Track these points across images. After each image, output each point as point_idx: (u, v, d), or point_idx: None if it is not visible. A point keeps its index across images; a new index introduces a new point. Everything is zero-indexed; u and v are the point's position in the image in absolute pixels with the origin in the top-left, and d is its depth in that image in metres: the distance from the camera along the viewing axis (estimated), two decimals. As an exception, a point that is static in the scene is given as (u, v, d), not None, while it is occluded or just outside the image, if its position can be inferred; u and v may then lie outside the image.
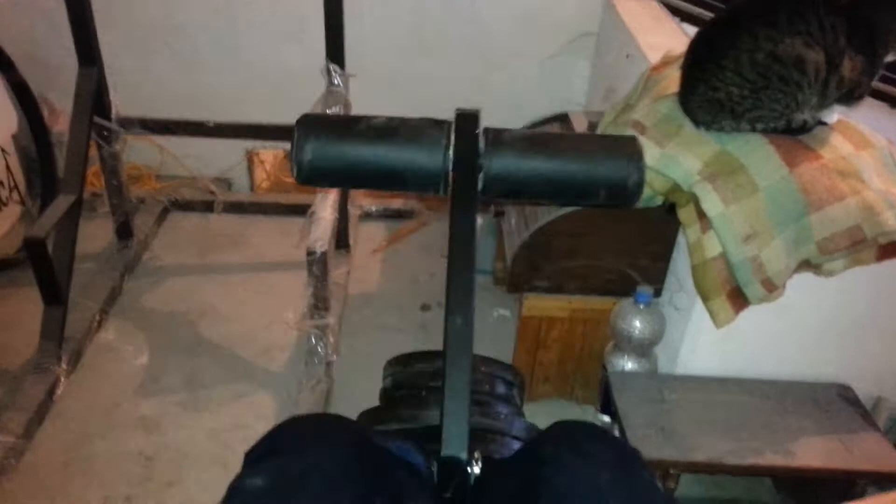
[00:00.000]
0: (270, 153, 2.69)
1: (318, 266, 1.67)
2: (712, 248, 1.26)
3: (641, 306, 1.46)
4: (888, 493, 1.17)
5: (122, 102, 2.04)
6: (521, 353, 1.70)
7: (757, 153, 1.24)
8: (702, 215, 1.27)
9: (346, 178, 0.72)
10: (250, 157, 2.57)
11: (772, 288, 1.24)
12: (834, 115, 1.27)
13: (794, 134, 1.27)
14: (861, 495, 1.21)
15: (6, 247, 2.15)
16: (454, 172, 0.66)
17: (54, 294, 1.73)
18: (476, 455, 0.61)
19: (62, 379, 1.74)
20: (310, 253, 1.66)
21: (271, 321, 2.00)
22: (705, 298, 1.30)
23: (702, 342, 1.43)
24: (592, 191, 0.68)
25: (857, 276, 1.29)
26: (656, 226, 1.48)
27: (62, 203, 1.76)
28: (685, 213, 1.31)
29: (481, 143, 0.67)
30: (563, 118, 1.85)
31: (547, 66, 2.38)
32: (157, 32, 2.32)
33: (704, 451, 1.25)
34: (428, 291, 2.18)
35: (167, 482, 1.56)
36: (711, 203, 1.24)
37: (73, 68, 1.89)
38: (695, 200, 1.28)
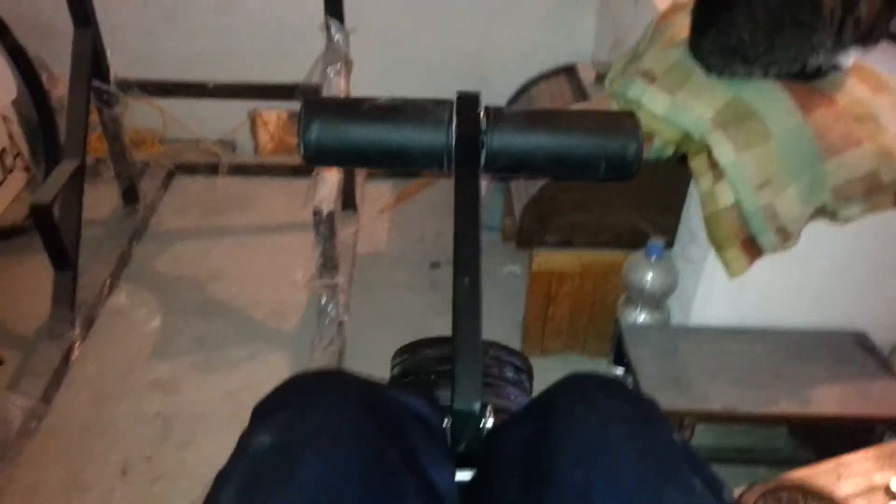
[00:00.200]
0: (273, 114, 2.66)
1: (325, 226, 1.66)
2: (725, 197, 1.24)
3: (653, 259, 1.45)
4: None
5: (121, 65, 2.01)
6: (531, 309, 1.70)
7: (770, 99, 1.22)
8: (714, 164, 1.25)
9: (352, 157, 0.73)
10: (253, 119, 2.54)
11: (786, 236, 1.22)
12: (850, 58, 1.24)
13: (809, 79, 1.24)
14: (879, 441, 1.22)
15: (14, 214, 2.15)
16: (457, 149, 0.68)
17: (63, 259, 1.73)
18: (488, 409, 0.61)
19: (77, 343, 1.76)
20: (316, 213, 1.65)
21: (281, 282, 2.00)
22: (718, 249, 1.29)
23: (715, 293, 1.42)
24: (592, 164, 0.69)
25: (873, 223, 1.27)
26: (668, 177, 1.46)
27: (66, 168, 1.75)
28: (697, 163, 1.29)
29: (482, 121, 0.69)
30: (570, 70, 1.82)
31: (552, 18, 2.33)
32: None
33: (718, 400, 1.25)
34: (437, 249, 2.17)
35: (184, 442, 1.59)
36: (724, 151, 1.22)
37: (70, 31, 1.86)
38: (707, 149, 1.26)
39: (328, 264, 1.73)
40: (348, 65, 1.87)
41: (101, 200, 2.24)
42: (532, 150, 0.70)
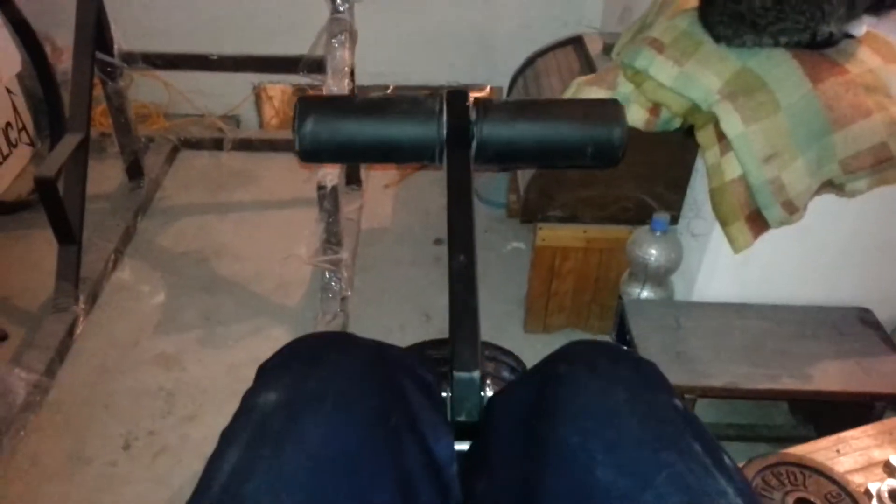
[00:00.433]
0: (278, 88, 2.65)
1: (328, 201, 1.66)
2: (732, 170, 1.22)
3: (658, 234, 1.43)
4: (907, 415, 1.16)
5: (124, 37, 2.00)
6: (535, 285, 1.68)
7: (779, 69, 1.19)
8: (721, 136, 1.22)
9: (347, 153, 0.75)
10: (258, 93, 2.53)
11: (793, 210, 1.20)
12: (862, 26, 1.20)
13: (820, 48, 1.20)
14: (879, 418, 1.20)
15: (19, 188, 2.16)
16: (448, 141, 0.69)
17: (67, 233, 1.73)
18: (487, 381, 0.60)
19: (81, 318, 1.77)
20: (320, 187, 1.64)
21: (285, 258, 2.00)
22: (724, 223, 1.26)
23: (719, 268, 1.40)
24: (579, 150, 0.72)
25: (880, 197, 1.25)
26: (674, 150, 1.44)
27: (69, 141, 1.74)
28: (704, 135, 1.26)
29: (472, 113, 0.70)
30: (577, 41, 1.78)
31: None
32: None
33: (720, 376, 1.24)
34: (440, 225, 2.16)
35: (188, 416, 1.59)
36: (731, 123, 1.19)
37: (73, 2, 1.84)
38: (714, 121, 1.23)
39: (332, 240, 1.72)
40: (353, 36, 1.84)
41: (105, 175, 2.24)
42: (521, 140, 0.72)
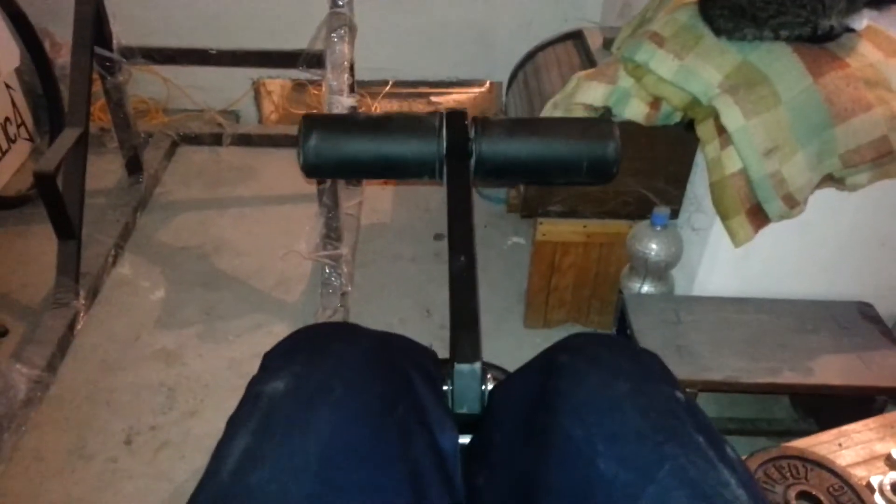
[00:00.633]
0: (277, 83, 2.64)
1: (328, 196, 1.65)
2: (732, 164, 1.22)
3: (658, 228, 1.43)
4: (908, 408, 1.16)
5: (123, 32, 1.99)
6: (535, 280, 1.68)
7: (780, 63, 1.19)
8: (721, 130, 1.22)
9: (349, 169, 0.78)
10: (257, 88, 2.52)
11: (793, 204, 1.20)
12: (863, 20, 1.20)
13: (820, 41, 1.20)
14: (880, 411, 1.20)
15: (18, 184, 2.15)
16: (447, 158, 0.72)
17: (67, 228, 1.73)
18: (488, 374, 0.60)
19: (81, 313, 1.76)
20: (320, 183, 1.64)
21: (285, 253, 2.00)
22: (724, 217, 1.26)
23: (720, 263, 1.40)
24: (575, 167, 0.74)
25: (880, 191, 1.25)
26: (674, 145, 1.43)
27: (69, 136, 1.74)
28: (704, 129, 1.26)
29: (470, 131, 0.73)
30: (577, 35, 1.78)
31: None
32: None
33: (721, 370, 1.24)
34: (440, 220, 2.16)
35: (189, 411, 1.59)
36: (732, 117, 1.19)
37: (71, -3, 1.84)
38: (714, 115, 1.23)
39: (332, 235, 1.72)
40: (352, 30, 1.84)
41: (104, 171, 2.24)
42: (518, 156, 0.75)
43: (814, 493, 0.92)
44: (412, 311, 1.86)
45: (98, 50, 1.91)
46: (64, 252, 1.76)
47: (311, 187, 1.62)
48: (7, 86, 2.16)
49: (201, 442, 1.52)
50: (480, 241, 2.04)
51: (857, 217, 1.33)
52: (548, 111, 1.49)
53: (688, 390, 1.23)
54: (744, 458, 0.99)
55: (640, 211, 1.52)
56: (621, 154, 0.74)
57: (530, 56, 1.87)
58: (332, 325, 0.62)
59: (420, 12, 2.33)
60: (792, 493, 0.92)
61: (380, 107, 2.62)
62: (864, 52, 1.19)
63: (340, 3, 1.83)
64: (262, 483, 0.45)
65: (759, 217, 1.24)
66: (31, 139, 2.29)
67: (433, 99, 2.67)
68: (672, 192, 1.51)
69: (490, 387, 0.61)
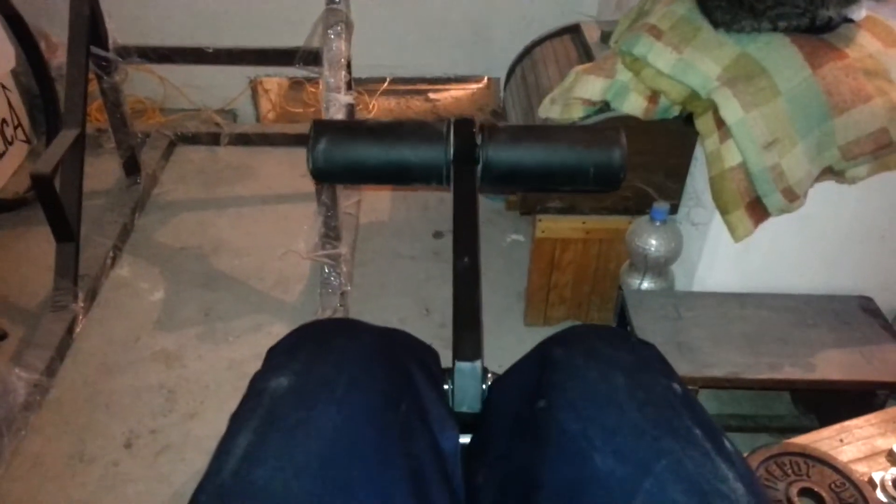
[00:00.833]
0: (274, 81, 2.63)
1: (327, 195, 1.65)
2: (731, 157, 1.21)
3: (657, 223, 1.42)
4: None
5: (118, 31, 1.98)
6: (535, 277, 1.67)
7: (778, 55, 1.17)
8: (720, 123, 1.21)
9: (357, 174, 0.79)
10: (254, 87, 2.51)
11: (793, 197, 1.19)
12: (862, 10, 1.19)
13: (819, 32, 1.19)
14: (881, 406, 1.20)
15: (15, 186, 2.15)
16: (455, 164, 0.73)
17: (65, 230, 1.72)
18: (489, 374, 0.60)
19: (80, 316, 1.76)
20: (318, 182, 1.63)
21: (284, 253, 1.99)
22: (723, 211, 1.25)
23: (720, 258, 1.39)
24: (581, 173, 0.75)
25: (880, 183, 1.24)
26: (673, 139, 1.42)
27: (65, 137, 1.73)
28: (703, 123, 1.25)
29: (478, 137, 0.74)
30: (574, 29, 1.77)
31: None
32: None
33: (721, 366, 1.23)
34: (439, 219, 2.15)
35: (190, 413, 1.59)
36: (731, 110, 1.18)
37: (66, -4, 1.83)
38: (713, 108, 1.22)
39: (331, 234, 1.71)
40: (349, 26, 1.83)
41: (102, 172, 2.23)
42: (524, 162, 0.75)
43: (816, 489, 0.91)
44: (411, 309, 1.85)
45: (94, 49, 1.90)
46: (62, 254, 1.76)
47: (309, 186, 1.62)
48: (3, 87, 2.15)
49: (202, 444, 1.52)
50: (480, 238, 2.03)
51: (857, 210, 1.32)
52: (546, 106, 1.48)
53: (689, 387, 1.23)
54: (745, 454, 0.98)
55: (639, 206, 1.51)
56: (627, 162, 0.74)
57: (528, 51, 1.86)
58: (335, 321, 0.62)
59: (417, 8, 2.32)
60: (794, 490, 0.91)
61: (377, 104, 2.61)
62: (863, 43, 1.18)
63: (336, -1, 1.82)
64: (265, 480, 0.45)
65: (758, 211, 1.23)
66: (27, 141, 2.29)
67: (431, 95, 2.67)
68: (671, 186, 1.50)
69: (489, 382, 0.61)
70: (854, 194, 1.26)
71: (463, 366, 0.57)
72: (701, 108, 1.25)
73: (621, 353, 0.57)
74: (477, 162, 0.73)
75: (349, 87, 1.77)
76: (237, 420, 0.50)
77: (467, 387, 0.57)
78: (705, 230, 1.37)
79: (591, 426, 0.49)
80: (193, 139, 2.42)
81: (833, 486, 0.92)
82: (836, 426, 1.03)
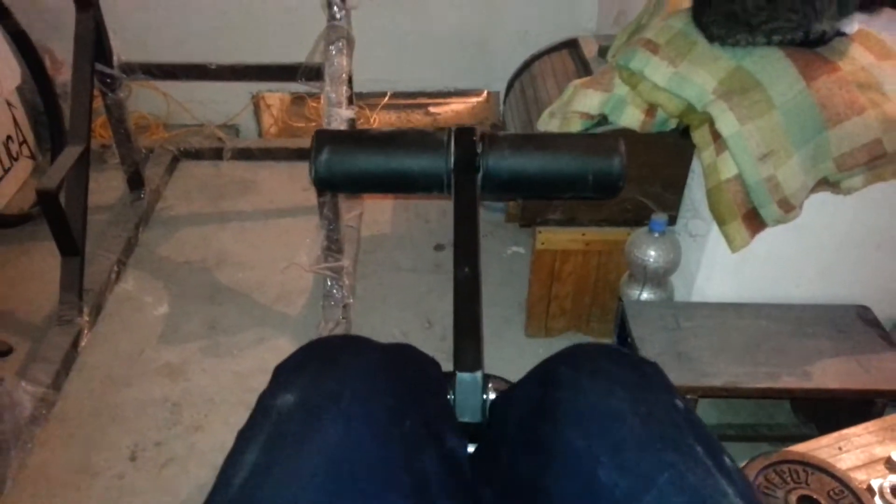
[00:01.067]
0: (276, 97, 2.66)
1: (329, 208, 1.66)
2: (727, 169, 1.22)
3: (656, 234, 1.44)
4: (908, 411, 1.16)
5: (122, 48, 2.01)
6: (535, 289, 1.69)
7: (773, 68, 1.19)
8: (716, 136, 1.23)
9: (359, 184, 0.80)
10: (256, 102, 2.54)
11: (788, 208, 1.21)
12: (854, 24, 1.21)
13: (813, 46, 1.21)
14: (880, 414, 1.21)
15: (21, 202, 2.17)
16: (455, 173, 0.74)
17: (70, 245, 1.74)
18: (490, 383, 0.61)
19: (85, 330, 1.77)
20: (320, 195, 1.65)
21: (286, 266, 2.01)
22: (721, 222, 1.27)
23: (718, 269, 1.40)
24: (581, 181, 0.76)
25: (876, 194, 1.25)
26: (670, 151, 1.44)
27: (70, 153, 1.75)
28: (699, 135, 1.27)
29: (478, 146, 0.75)
30: (573, 44, 1.79)
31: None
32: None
33: (720, 375, 1.24)
34: (440, 231, 2.17)
35: (194, 426, 1.60)
36: (726, 122, 1.20)
37: (72, 14, 1.85)
38: (709, 121, 1.24)
39: (333, 247, 1.73)
40: (350, 42, 1.85)
41: (106, 187, 2.26)
42: (525, 171, 0.76)
43: (815, 497, 0.92)
44: (413, 322, 1.87)
45: (99, 66, 1.92)
46: (67, 269, 1.77)
47: (311, 200, 1.63)
48: (9, 104, 2.18)
49: (206, 457, 1.53)
50: (481, 250, 2.04)
51: (853, 221, 1.33)
52: (545, 119, 1.50)
53: (688, 396, 1.24)
54: (744, 462, 0.99)
55: (638, 217, 1.53)
56: (627, 169, 0.75)
57: (527, 65, 1.89)
58: (341, 337, 0.63)
59: (417, 23, 2.35)
60: (793, 498, 0.92)
61: (378, 118, 2.63)
62: (855, 56, 1.20)
63: (338, 15, 1.84)
64: (271, 496, 0.45)
65: (755, 222, 1.24)
66: (32, 157, 2.31)
67: (431, 109, 2.69)
68: (669, 198, 1.51)
69: (492, 396, 0.61)
70: (850, 205, 1.28)
71: (464, 377, 0.58)
72: (697, 120, 1.27)
73: (625, 370, 0.58)
74: (478, 170, 0.74)
75: (350, 101, 1.79)
76: (244, 437, 0.51)
77: (469, 397, 0.58)
78: (703, 241, 1.39)
79: (595, 441, 0.50)
80: (197, 154, 2.45)
81: (832, 493, 0.93)
82: (835, 434, 1.04)
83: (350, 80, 1.79)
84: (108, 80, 1.98)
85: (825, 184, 1.23)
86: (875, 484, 0.95)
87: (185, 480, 1.49)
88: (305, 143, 2.36)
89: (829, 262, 1.39)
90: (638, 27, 1.52)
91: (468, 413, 0.58)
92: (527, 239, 1.99)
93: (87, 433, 1.58)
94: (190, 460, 1.53)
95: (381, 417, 0.52)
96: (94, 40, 1.87)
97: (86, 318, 1.78)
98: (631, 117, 1.36)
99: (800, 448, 1.01)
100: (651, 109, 1.36)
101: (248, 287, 1.97)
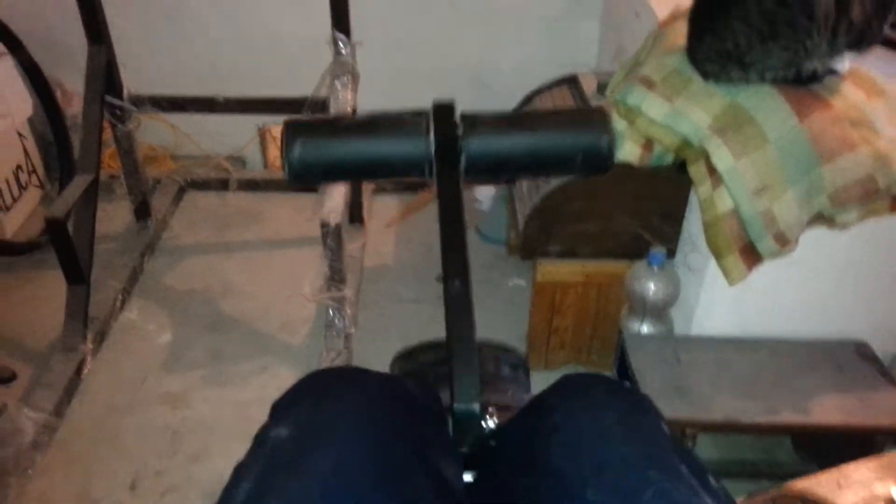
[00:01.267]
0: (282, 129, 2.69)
1: (332, 238, 1.68)
2: (724, 203, 1.24)
3: (655, 268, 1.45)
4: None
5: (131, 81, 2.05)
6: (536, 321, 1.69)
7: (767, 104, 1.22)
8: (712, 171, 1.25)
9: (336, 171, 0.75)
10: (263, 134, 2.58)
11: (784, 242, 1.22)
12: (845, 62, 1.24)
13: (805, 83, 1.23)
14: (880, 451, 1.20)
15: (29, 230, 2.20)
16: (437, 157, 0.69)
17: (77, 273, 1.76)
18: (490, 410, 0.61)
19: (89, 357, 1.79)
20: (324, 225, 1.66)
21: (290, 296, 2.02)
22: (718, 256, 1.28)
23: (717, 302, 1.41)
24: (569, 159, 0.71)
25: (872, 229, 1.26)
26: (668, 185, 1.46)
27: (80, 183, 1.79)
28: (696, 170, 1.29)
29: (459, 128, 0.70)
30: (572, 80, 1.82)
31: (554, 28, 2.34)
32: (162, 7, 2.32)
33: (720, 410, 1.24)
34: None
35: (194, 455, 1.60)
36: (721, 157, 1.22)
37: (83, 48, 1.90)
38: (705, 156, 1.26)
39: (336, 277, 1.74)
40: (355, 77, 1.89)
41: (113, 216, 2.29)
42: (510, 151, 0.71)
43: (812, 532, 0.92)
44: (414, 351, 1.87)
45: (109, 99, 1.97)
46: (73, 296, 1.79)
47: (315, 231, 1.65)
48: (20, 134, 2.22)
49: (205, 486, 1.53)
50: (481, 282, 2.05)
51: (849, 255, 1.34)
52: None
53: (688, 431, 1.24)
54: (743, 498, 0.99)
55: (637, 250, 1.54)
56: (616, 144, 0.72)
57: (527, 100, 1.92)
58: (338, 369, 0.64)
59: (420, 58, 2.39)
60: (790, 533, 0.92)
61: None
62: (847, 93, 1.22)
63: (343, 51, 1.89)
64: None
65: (752, 256, 1.25)
66: (41, 186, 2.35)
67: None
68: (668, 231, 1.53)
69: (492, 425, 0.62)
70: (846, 239, 1.29)
71: (461, 408, 0.57)
72: (693, 155, 1.29)
73: (613, 396, 0.59)
74: (460, 153, 0.69)
75: (355, 134, 1.82)
76: (240, 470, 0.52)
77: (466, 427, 0.58)
78: (702, 275, 1.40)
79: (583, 464, 0.51)
80: (203, 185, 2.48)
81: (829, 529, 0.93)
82: (835, 471, 1.03)
83: (354, 113, 1.83)
84: (118, 112, 2.03)
85: (820, 218, 1.24)
86: (873, 520, 0.94)
87: (183, 510, 1.49)
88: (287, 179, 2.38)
89: (827, 296, 1.40)
90: (636, 64, 1.54)
91: (467, 444, 0.59)
92: (527, 272, 2.00)
93: (88, 460, 1.58)
94: (190, 490, 1.52)
95: (373, 446, 0.53)
96: (105, 73, 1.91)
97: (90, 345, 1.79)
98: (629, 151, 1.38)
99: (799, 484, 1.01)
100: (648, 144, 1.38)
101: (251, 316, 1.99)
